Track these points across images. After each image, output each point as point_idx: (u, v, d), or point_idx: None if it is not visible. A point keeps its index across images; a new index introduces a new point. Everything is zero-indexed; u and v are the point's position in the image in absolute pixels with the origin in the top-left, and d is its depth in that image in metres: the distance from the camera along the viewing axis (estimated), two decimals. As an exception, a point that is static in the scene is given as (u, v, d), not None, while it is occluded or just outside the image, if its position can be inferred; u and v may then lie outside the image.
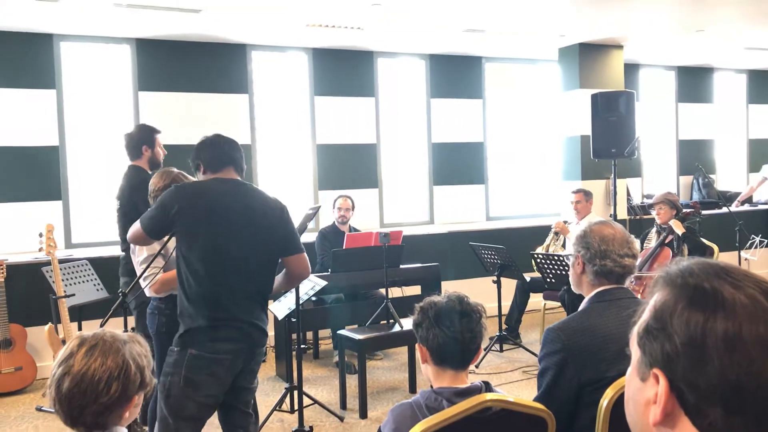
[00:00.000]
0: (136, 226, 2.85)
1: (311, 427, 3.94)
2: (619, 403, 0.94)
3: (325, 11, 5.66)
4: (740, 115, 9.74)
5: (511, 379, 5.12)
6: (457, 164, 7.75)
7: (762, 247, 6.91)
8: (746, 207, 8.76)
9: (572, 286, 2.30)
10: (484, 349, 5.72)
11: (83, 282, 5.11)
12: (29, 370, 5.10)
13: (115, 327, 1.84)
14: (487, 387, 1.95)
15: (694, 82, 9.22)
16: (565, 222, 6.23)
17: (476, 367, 5.40)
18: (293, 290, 4.09)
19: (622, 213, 7.48)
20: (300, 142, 7.04)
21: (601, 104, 6.78)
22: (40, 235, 4.60)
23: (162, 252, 3.10)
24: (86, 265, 5.23)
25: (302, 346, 4.06)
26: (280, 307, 4.35)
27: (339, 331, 4.83)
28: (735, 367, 0.78)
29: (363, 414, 4.48)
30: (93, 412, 1.51)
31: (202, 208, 2.74)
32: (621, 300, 2.13)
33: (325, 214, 6.60)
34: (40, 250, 4.60)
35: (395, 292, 5.85)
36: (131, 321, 3.95)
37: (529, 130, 8.25)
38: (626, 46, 7.51)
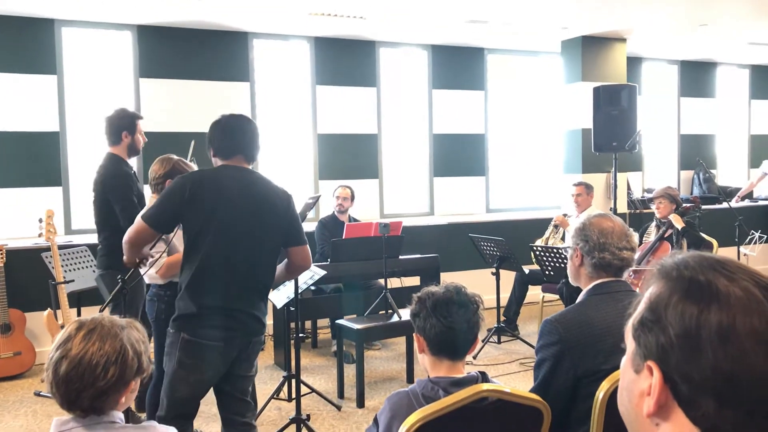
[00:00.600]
0: (135, 226, 2.79)
1: (308, 416, 3.95)
2: (614, 395, 0.94)
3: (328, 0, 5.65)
4: (742, 111, 9.72)
5: (509, 371, 5.14)
6: (458, 156, 7.74)
7: (761, 242, 6.91)
8: (746, 202, 8.77)
9: (570, 279, 2.31)
10: (482, 341, 5.73)
11: (82, 268, 5.12)
12: (28, 355, 5.12)
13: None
14: (484, 377, 1.96)
15: (696, 77, 9.19)
16: (565, 215, 6.23)
17: (474, 358, 5.42)
18: (293, 279, 4.10)
19: (623, 207, 7.48)
20: (301, 132, 7.03)
21: (603, 97, 6.77)
22: (40, 220, 4.61)
23: (164, 237, 3.10)
24: (86, 251, 5.24)
25: (300, 335, 4.07)
26: (279, 296, 4.36)
27: (338, 321, 4.85)
28: (728, 359, 0.79)
29: (360, 403, 4.50)
30: (90, 396, 1.52)
31: (207, 198, 2.74)
32: (618, 293, 2.13)
33: (325, 203, 6.61)
34: (40, 235, 4.61)
35: (394, 282, 5.86)
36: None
37: (530, 123, 8.24)
38: (629, 40, 7.49)
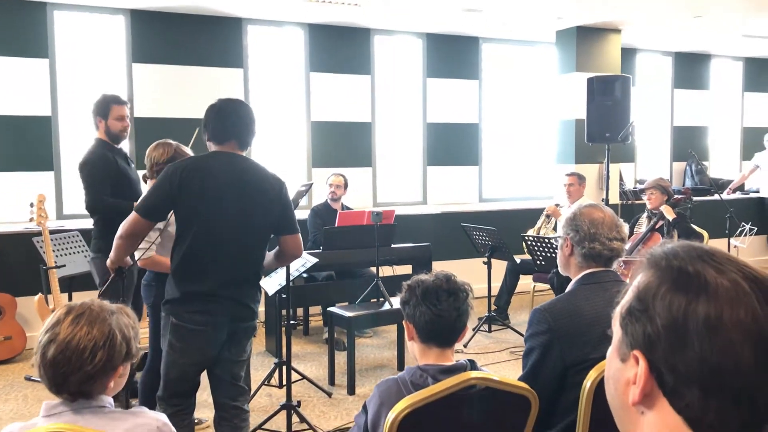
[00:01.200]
0: (129, 218, 2.78)
1: (299, 402, 3.96)
2: (602, 384, 0.95)
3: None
4: (735, 103, 9.75)
5: (499, 360, 5.17)
6: (452, 145, 7.74)
7: (751, 234, 6.95)
8: (738, 195, 8.81)
9: (560, 268, 2.32)
10: (473, 330, 5.76)
11: (74, 253, 5.10)
12: (19, 339, 5.11)
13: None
14: (473, 365, 1.97)
15: (690, 69, 9.21)
16: (557, 205, 6.25)
17: (464, 346, 5.44)
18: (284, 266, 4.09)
19: (615, 198, 7.51)
20: (294, 119, 7.01)
21: (597, 88, 6.77)
22: (31, 205, 4.58)
23: (158, 226, 3.09)
24: (77, 236, 5.22)
25: (292, 322, 4.07)
26: (271, 283, 4.36)
27: (329, 308, 4.86)
28: (715, 351, 0.79)
29: (351, 390, 4.51)
30: (77, 380, 1.53)
31: (196, 185, 2.73)
32: (607, 283, 2.14)
33: (318, 191, 6.60)
34: (31, 220, 4.59)
35: (386, 270, 5.87)
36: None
37: (524, 113, 8.25)
38: (624, 31, 7.49)
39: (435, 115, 7.65)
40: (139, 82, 6.25)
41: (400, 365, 4.99)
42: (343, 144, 7.16)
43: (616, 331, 0.91)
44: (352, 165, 7.11)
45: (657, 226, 5.47)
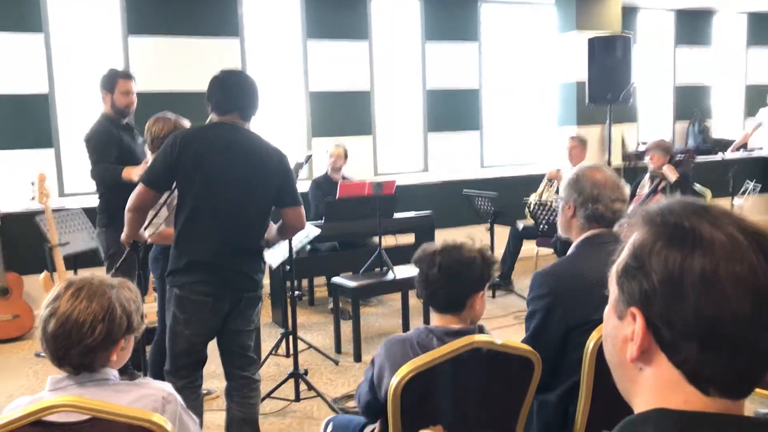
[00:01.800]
0: (135, 190, 2.81)
1: (306, 370, 4.01)
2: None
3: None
4: (739, 59, 9.62)
5: (503, 324, 5.20)
6: (452, 111, 7.68)
7: (755, 193, 6.93)
8: (741, 153, 8.75)
9: (560, 231, 2.31)
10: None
11: (77, 231, 5.12)
12: (27, 317, 5.15)
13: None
14: (481, 330, 1.98)
15: (693, 25, 9.07)
16: (559, 170, 6.22)
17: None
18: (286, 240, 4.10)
19: (617, 160, 7.47)
20: (293, 89, 6.95)
21: (598, 49, 6.68)
22: (33, 184, 4.58)
23: (168, 201, 3.09)
24: (80, 214, 5.23)
25: (297, 292, 4.10)
26: (274, 256, 4.37)
27: (333, 279, 4.88)
28: (711, 305, 0.79)
29: (357, 357, 4.56)
30: (78, 353, 1.54)
31: (196, 154, 2.74)
32: (609, 244, 2.12)
33: (318, 162, 6.58)
34: (33, 199, 4.59)
35: (389, 240, 5.88)
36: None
37: (524, 76, 8.16)
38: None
39: (435, 81, 7.58)
40: (135, 54, 6.19)
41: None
42: (343, 113, 7.11)
43: (613, 289, 0.91)
44: (351, 134, 7.06)
45: (659, 187, 5.45)
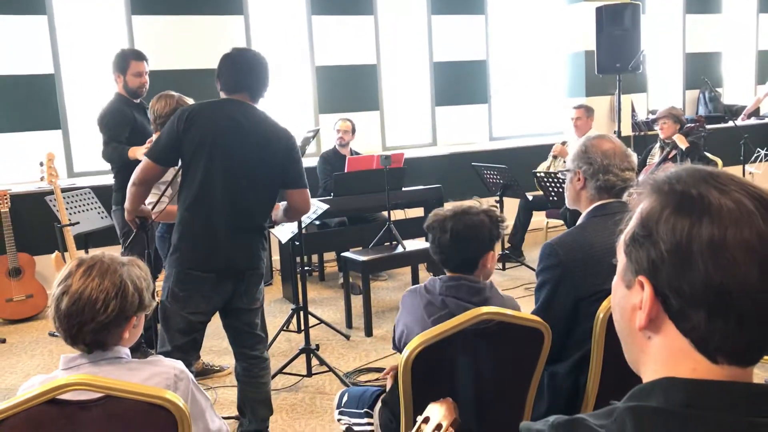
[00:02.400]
0: (140, 164, 2.79)
1: (317, 345, 4.04)
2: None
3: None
4: (750, 26, 9.47)
5: (514, 296, 5.19)
6: (460, 84, 7.62)
7: (767, 160, 6.86)
8: (752, 120, 8.66)
9: (568, 203, 2.31)
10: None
11: (87, 210, 5.14)
12: (40, 297, 5.20)
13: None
14: (491, 287, 2.15)
15: (703, -9, 8.92)
16: (564, 143, 6.18)
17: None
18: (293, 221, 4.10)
19: (627, 129, 7.40)
20: (299, 65, 6.91)
21: (606, 17, 6.60)
22: (41, 164, 4.60)
23: (175, 178, 3.09)
24: (89, 193, 5.26)
25: (307, 268, 4.11)
26: (284, 231, 4.38)
27: (343, 254, 4.89)
28: (719, 272, 0.79)
29: (368, 332, 4.58)
30: (91, 330, 1.56)
31: (204, 131, 2.72)
32: (618, 214, 2.11)
33: (326, 137, 6.56)
34: (42, 179, 4.61)
35: (398, 214, 5.87)
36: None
37: (532, 47, 8.07)
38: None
39: (442, 53, 7.50)
40: (140, 34, 6.16)
41: (416, 306, 5.04)
42: (350, 88, 7.07)
43: (621, 258, 0.91)
44: (359, 109, 7.03)
45: (670, 156, 5.41)
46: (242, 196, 2.77)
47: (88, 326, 1.54)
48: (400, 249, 4.81)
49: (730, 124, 7.17)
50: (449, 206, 2.19)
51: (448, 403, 1.48)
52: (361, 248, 5.20)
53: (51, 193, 4.78)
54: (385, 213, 5.06)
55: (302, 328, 4.11)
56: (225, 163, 2.73)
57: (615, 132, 6.61)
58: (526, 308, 2.10)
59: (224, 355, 4.09)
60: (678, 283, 0.81)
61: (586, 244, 2.06)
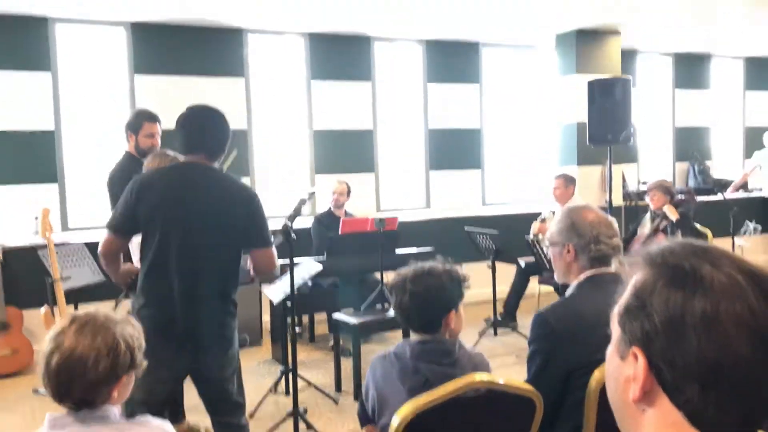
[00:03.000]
0: (103, 237, 2.73)
1: (305, 409, 3.97)
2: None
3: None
4: (737, 102, 9.73)
5: (505, 363, 5.16)
6: (454, 150, 7.75)
7: (756, 233, 6.94)
8: (741, 194, 8.79)
9: (558, 276, 2.29)
10: (479, 333, 5.75)
11: (79, 265, 5.12)
12: (26, 353, 5.12)
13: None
14: (460, 345, 2.07)
15: (691, 69, 9.20)
16: (543, 220, 6.24)
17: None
18: (288, 274, 4.09)
19: (618, 199, 7.50)
20: (297, 127, 7.03)
21: (598, 91, 6.75)
22: (36, 218, 4.60)
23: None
24: (82, 248, 5.24)
25: (297, 329, 4.07)
26: (276, 291, 4.36)
27: (334, 315, 4.86)
28: (712, 345, 0.80)
29: (357, 396, 4.51)
30: (80, 389, 1.53)
31: (157, 198, 2.66)
32: (609, 283, 2.14)
33: (322, 198, 6.61)
34: (36, 233, 4.61)
35: (391, 276, 5.85)
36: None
37: (526, 117, 8.25)
38: (623, 33, 7.49)
39: (436, 120, 7.66)
40: (142, 93, 6.27)
41: (407, 371, 4.98)
42: (346, 151, 7.17)
43: (615, 329, 0.92)
44: (354, 171, 7.11)
45: (661, 227, 5.47)
46: (201, 263, 2.67)
47: (78, 384, 1.52)
48: (391, 312, 4.77)
49: (720, 196, 7.27)
50: (411, 267, 2.17)
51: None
52: (352, 310, 5.17)
53: (44, 247, 4.77)
54: (378, 275, 5.06)
55: (291, 390, 4.05)
56: (179, 233, 2.65)
57: (606, 201, 6.68)
58: (518, 376, 2.08)
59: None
60: (671, 356, 0.82)
61: (578, 313, 2.07)
